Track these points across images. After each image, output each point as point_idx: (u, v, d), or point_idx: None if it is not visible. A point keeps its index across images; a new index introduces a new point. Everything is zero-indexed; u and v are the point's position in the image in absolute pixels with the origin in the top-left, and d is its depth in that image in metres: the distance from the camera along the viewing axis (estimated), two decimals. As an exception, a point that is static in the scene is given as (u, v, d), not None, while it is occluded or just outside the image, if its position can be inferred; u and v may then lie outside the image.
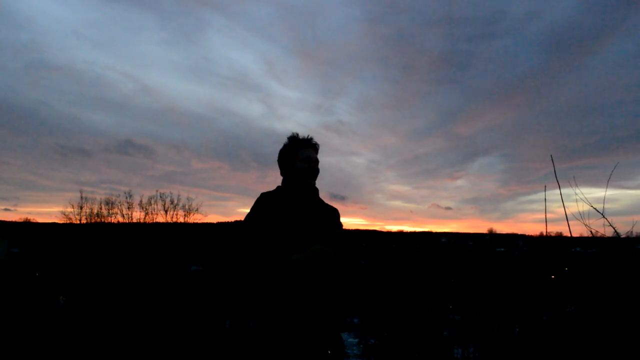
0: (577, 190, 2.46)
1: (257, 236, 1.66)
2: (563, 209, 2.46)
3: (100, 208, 23.50)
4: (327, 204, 1.96)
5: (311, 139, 1.91)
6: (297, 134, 1.93)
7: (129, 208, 23.14)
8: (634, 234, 2.70)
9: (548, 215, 2.82)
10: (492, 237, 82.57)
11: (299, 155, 1.87)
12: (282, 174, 1.93)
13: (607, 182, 2.55)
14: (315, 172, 1.89)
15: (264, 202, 1.77)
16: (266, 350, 1.60)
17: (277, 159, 1.96)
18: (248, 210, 1.80)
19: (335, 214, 1.95)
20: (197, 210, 23.73)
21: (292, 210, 1.76)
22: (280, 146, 1.95)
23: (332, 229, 1.88)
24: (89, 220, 23.57)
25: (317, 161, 1.91)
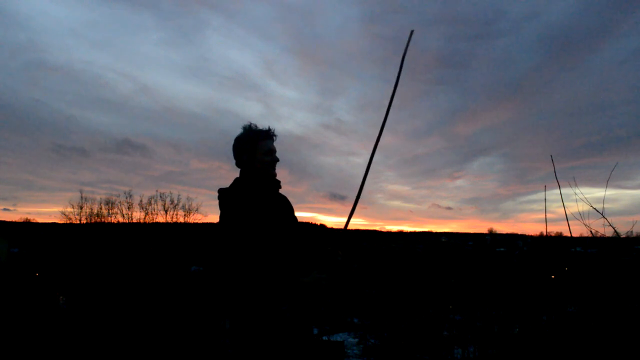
0: (577, 190, 2.46)
1: (263, 250, 1.60)
2: (563, 209, 2.46)
3: (100, 208, 23.50)
4: (283, 195, 1.90)
5: (272, 129, 1.83)
6: (255, 125, 1.83)
7: (129, 208, 23.14)
8: (634, 234, 2.70)
9: (548, 215, 2.81)
10: (492, 237, 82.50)
11: (260, 148, 1.78)
12: (240, 165, 1.83)
13: (607, 182, 2.55)
14: (274, 165, 1.83)
15: (247, 203, 1.67)
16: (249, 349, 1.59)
17: (233, 149, 1.85)
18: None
19: (290, 204, 1.90)
20: (197, 210, 23.74)
21: (272, 209, 1.73)
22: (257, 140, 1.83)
23: (295, 221, 1.86)
24: (89, 220, 23.58)
25: (276, 151, 1.84)
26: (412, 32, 2.02)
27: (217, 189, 1.78)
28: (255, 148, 1.78)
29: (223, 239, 1.63)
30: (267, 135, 1.81)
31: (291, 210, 1.88)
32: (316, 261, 1.76)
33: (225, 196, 1.74)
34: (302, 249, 1.78)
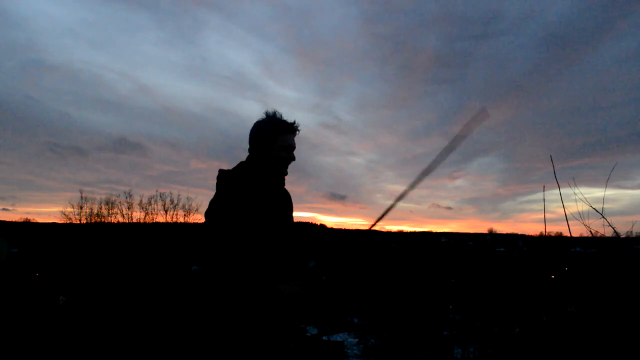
0: (577, 190, 2.46)
1: (244, 248, 1.51)
2: (563, 209, 2.46)
3: (100, 208, 23.51)
4: (286, 190, 1.80)
5: (296, 124, 1.71)
6: (280, 115, 1.71)
7: (129, 208, 23.15)
8: (634, 234, 2.70)
9: (548, 215, 2.81)
10: (492, 237, 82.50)
11: (279, 141, 1.66)
12: (252, 152, 1.71)
13: (607, 182, 2.55)
14: (292, 161, 1.72)
15: (234, 191, 1.57)
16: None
17: (250, 134, 1.72)
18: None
19: (291, 202, 1.82)
20: (197, 210, 23.74)
21: (262, 201, 1.62)
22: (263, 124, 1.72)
23: (290, 221, 1.78)
24: (89, 220, 23.58)
25: (294, 149, 1.73)
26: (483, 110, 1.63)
27: (218, 169, 1.67)
28: (274, 139, 1.66)
29: (210, 224, 1.55)
30: (291, 129, 1.70)
31: (290, 210, 1.79)
32: (301, 270, 1.68)
33: (224, 178, 1.63)
34: (289, 251, 1.69)
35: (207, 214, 1.58)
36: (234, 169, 1.70)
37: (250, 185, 1.61)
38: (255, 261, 1.54)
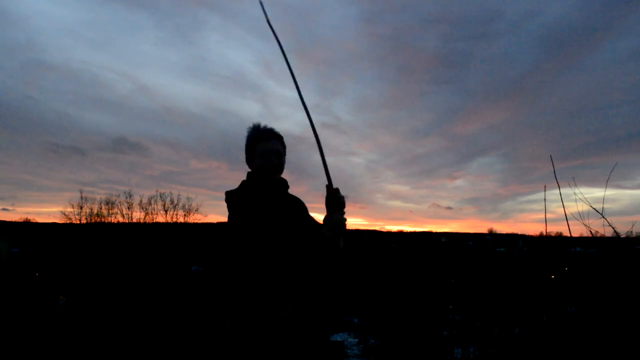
0: (577, 190, 2.46)
1: (275, 247, 1.55)
2: (563, 209, 2.46)
3: (100, 208, 23.54)
4: (294, 196, 1.86)
5: (271, 130, 1.78)
6: (259, 125, 1.80)
7: (129, 208, 23.20)
8: (634, 234, 2.70)
9: (548, 215, 2.82)
10: (492, 237, 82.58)
11: (257, 149, 1.75)
12: (248, 166, 1.84)
13: (607, 182, 2.56)
14: (275, 166, 1.75)
15: (252, 204, 1.64)
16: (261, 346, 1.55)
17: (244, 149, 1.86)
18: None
19: (303, 205, 1.87)
20: (197, 210, 23.79)
21: (279, 209, 1.67)
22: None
23: (307, 220, 1.82)
24: (89, 220, 23.60)
25: (279, 153, 1.77)
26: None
27: (225, 192, 1.75)
28: (253, 150, 1.77)
29: (234, 239, 1.62)
30: (265, 135, 1.77)
31: (304, 210, 1.85)
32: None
33: (231, 198, 1.72)
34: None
35: (235, 234, 1.62)
36: (238, 187, 1.78)
37: (257, 197, 1.67)
38: (290, 252, 1.59)
